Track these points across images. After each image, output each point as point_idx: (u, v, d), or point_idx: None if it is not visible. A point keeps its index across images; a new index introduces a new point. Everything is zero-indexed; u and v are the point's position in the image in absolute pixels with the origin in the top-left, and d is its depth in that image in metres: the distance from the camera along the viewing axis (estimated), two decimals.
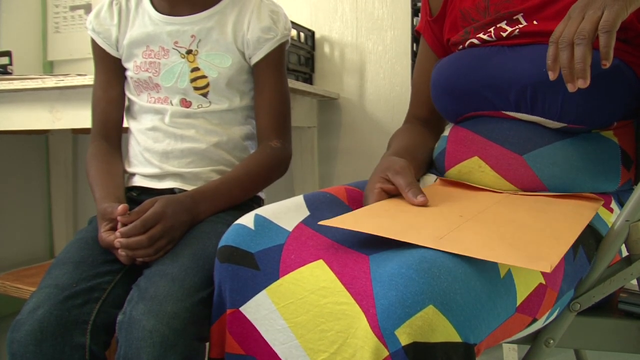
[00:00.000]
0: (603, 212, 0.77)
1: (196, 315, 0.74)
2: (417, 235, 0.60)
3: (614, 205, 0.79)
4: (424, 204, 0.70)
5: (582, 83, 0.62)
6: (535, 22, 0.80)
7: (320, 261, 0.64)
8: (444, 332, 0.52)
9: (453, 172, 0.86)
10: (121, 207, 0.83)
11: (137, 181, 1.02)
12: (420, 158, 0.91)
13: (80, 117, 1.36)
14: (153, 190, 0.99)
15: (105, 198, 0.91)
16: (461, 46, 0.90)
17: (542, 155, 0.77)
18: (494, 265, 0.59)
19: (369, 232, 0.61)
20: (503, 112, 0.81)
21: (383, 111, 1.82)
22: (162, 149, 0.99)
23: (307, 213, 0.74)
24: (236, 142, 1.03)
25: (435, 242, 0.58)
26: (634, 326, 0.72)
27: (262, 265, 0.67)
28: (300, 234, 0.69)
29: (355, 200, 0.82)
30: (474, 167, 0.82)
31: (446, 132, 0.92)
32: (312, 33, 1.85)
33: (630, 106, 0.78)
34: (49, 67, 2.20)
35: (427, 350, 0.51)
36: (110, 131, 1.05)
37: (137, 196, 1.00)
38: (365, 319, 0.55)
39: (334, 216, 0.66)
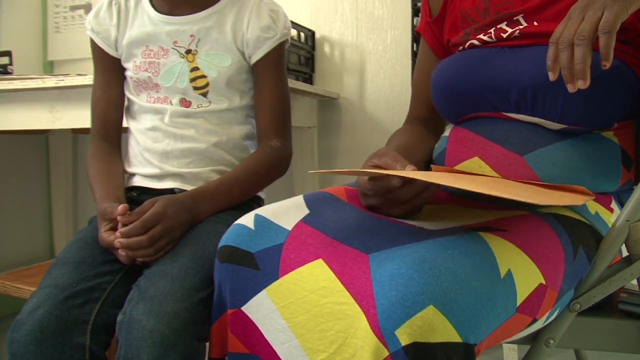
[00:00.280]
0: (603, 212, 0.77)
1: (196, 315, 0.74)
2: (437, 177, 0.60)
3: (614, 205, 0.79)
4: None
5: (582, 84, 0.62)
6: (535, 23, 0.80)
7: (320, 260, 0.64)
8: (444, 332, 0.52)
9: None
10: (121, 207, 0.83)
11: (137, 181, 1.02)
12: (419, 156, 0.91)
13: (80, 117, 1.36)
14: (153, 190, 0.99)
15: (105, 198, 0.91)
16: (461, 47, 0.90)
17: (542, 156, 0.77)
18: (494, 266, 0.59)
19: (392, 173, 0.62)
20: (503, 113, 0.81)
21: (383, 111, 1.82)
22: (162, 149, 0.99)
23: (307, 212, 0.74)
24: (236, 141, 1.03)
25: (460, 180, 0.58)
26: (634, 326, 0.72)
27: (262, 265, 0.67)
28: (300, 233, 0.69)
29: (356, 200, 0.82)
30: (475, 167, 0.82)
31: (446, 133, 0.92)
32: (312, 33, 1.85)
33: (630, 107, 0.78)
34: (49, 67, 2.20)
35: (427, 351, 0.51)
36: (110, 131, 1.05)
37: (137, 196, 1.00)
38: (365, 319, 0.55)
39: (335, 214, 0.66)
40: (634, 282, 0.79)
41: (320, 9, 1.88)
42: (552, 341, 0.70)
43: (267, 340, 0.65)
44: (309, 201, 0.77)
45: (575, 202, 0.64)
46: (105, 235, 0.85)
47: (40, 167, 2.12)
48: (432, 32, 0.98)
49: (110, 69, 1.05)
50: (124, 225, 0.83)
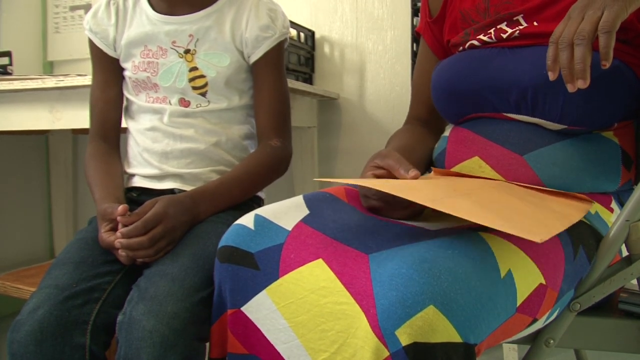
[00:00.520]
0: (603, 212, 0.77)
1: (196, 315, 0.74)
2: (414, 194, 0.60)
3: (614, 205, 0.79)
4: (417, 178, 0.71)
5: (582, 83, 0.62)
6: (535, 24, 0.80)
7: (320, 260, 0.64)
8: (445, 332, 0.52)
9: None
10: (121, 208, 0.83)
11: (137, 182, 1.02)
12: (419, 156, 0.91)
13: (80, 117, 1.36)
14: (153, 190, 0.99)
15: (105, 198, 0.91)
16: (461, 47, 0.90)
17: (542, 156, 0.77)
18: (494, 266, 0.59)
19: (371, 187, 0.62)
20: (504, 113, 0.81)
21: (383, 111, 1.82)
22: (162, 149, 0.99)
23: (307, 212, 0.74)
24: (235, 141, 1.03)
25: (431, 202, 0.58)
26: (634, 326, 0.72)
27: (262, 265, 0.67)
28: (300, 233, 0.69)
29: (355, 200, 0.82)
30: (475, 167, 0.82)
31: (446, 133, 0.92)
32: (312, 33, 1.85)
33: (630, 107, 0.78)
34: (49, 67, 2.20)
35: (427, 351, 0.51)
36: (109, 131, 1.05)
37: (136, 197, 1.00)
38: (365, 319, 0.55)
39: (335, 214, 0.66)
40: (634, 282, 0.79)
41: (320, 9, 1.88)
42: (552, 341, 0.70)
43: (268, 340, 0.65)
44: (309, 201, 0.77)
45: (533, 238, 0.54)
46: (105, 235, 0.85)
47: (40, 167, 2.12)
48: (432, 32, 0.98)
49: (108, 69, 1.05)
50: (124, 225, 0.83)
